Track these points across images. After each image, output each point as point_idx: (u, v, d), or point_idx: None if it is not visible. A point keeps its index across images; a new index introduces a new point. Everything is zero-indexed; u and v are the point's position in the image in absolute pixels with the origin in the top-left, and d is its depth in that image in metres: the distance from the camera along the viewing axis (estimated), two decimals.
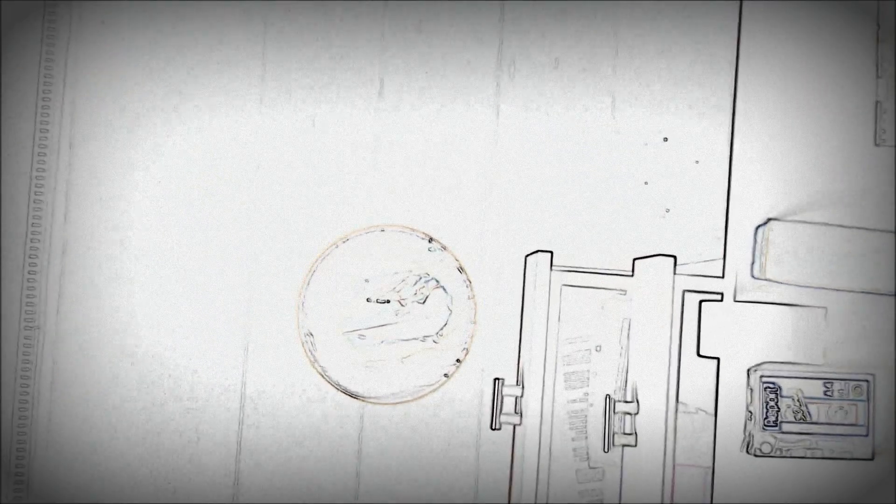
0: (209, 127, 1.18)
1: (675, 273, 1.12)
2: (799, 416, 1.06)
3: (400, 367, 1.17)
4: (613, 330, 1.14)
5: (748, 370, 1.08)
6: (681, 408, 1.10)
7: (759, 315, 1.11)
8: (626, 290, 1.13)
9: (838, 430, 1.06)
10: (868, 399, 1.06)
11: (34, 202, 1.18)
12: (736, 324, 1.11)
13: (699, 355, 1.11)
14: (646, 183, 1.16)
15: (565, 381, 1.13)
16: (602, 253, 1.17)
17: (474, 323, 1.17)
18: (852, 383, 1.06)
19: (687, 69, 1.18)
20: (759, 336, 1.10)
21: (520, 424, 1.12)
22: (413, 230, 1.20)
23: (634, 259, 1.14)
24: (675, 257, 1.13)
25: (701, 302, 1.12)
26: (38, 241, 1.17)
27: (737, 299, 1.11)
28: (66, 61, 1.18)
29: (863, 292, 1.09)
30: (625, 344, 1.13)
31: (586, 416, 1.13)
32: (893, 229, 1.11)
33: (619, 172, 1.18)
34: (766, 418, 1.06)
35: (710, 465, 1.09)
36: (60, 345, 1.15)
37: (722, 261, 1.14)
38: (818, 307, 1.10)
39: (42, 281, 1.16)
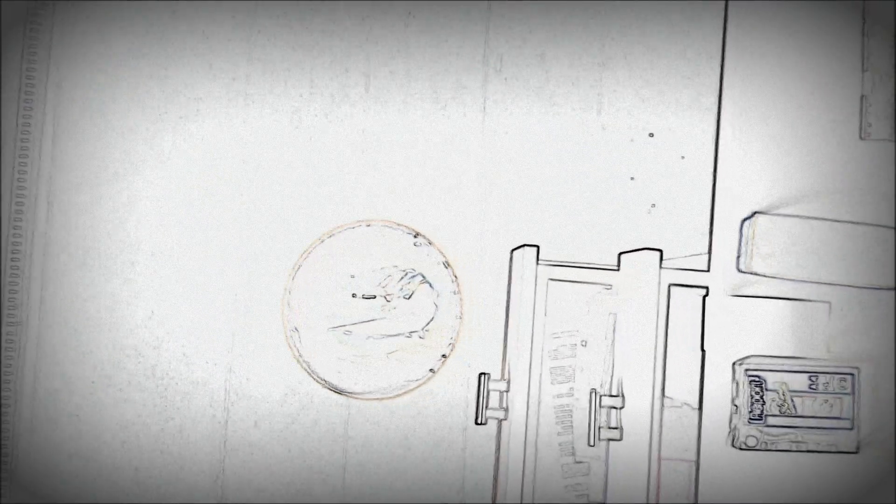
0: (199, 127, 1.20)
1: (661, 267, 1.14)
2: (784, 409, 1.08)
3: (386, 362, 1.18)
4: (599, 324, 1.15)
5: (733, 364, 1.10)
6: (666, 402, 1.12)
7: (745, 308, 1.12)
8: (611, 285, 1.15)
9: (823, 423, 1.08)
10: (853, 392, 1.08)
11: (16, 198, 1.19)
12: (722, 317, 1.12)
13: (687, 349, 1.12)
14: (632, 178, 1.18)
15: (551, 376, 1.15)
16: (589, 248, 1.19)
17: (460, 318, 1.18)
18: (837, 377, 1.08)
19: (673, 66, 1.20)
20: (745, 329, 1.12)
21: (505, 419, 1.13)
22: (398, 225, 1.21)
23: (620, 253, 1.16)
24: (661, 251, 1.15)
25: (685, 294, 1.14)
26: (21, 237, 1.19)
27: (723, 293, 1.13)
28: (51, 65, 1.20)
29: (853, 286, 1.11)
30: (611, 338, 1.14)
31: (572, 410, 1.14)
32: (893, 224, 1.12)
33: (606, 168, 1.19)
34: (751, 412, 1.08)
35: (696, 458, 1.10)
36: (42, 342, 1.17)
37: (707, 255, 1.15)
38: (806, 301, 1.12)
39: (24, 278, 1.18)
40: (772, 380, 1.09)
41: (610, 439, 1.10)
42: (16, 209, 1.17)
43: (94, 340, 1.16)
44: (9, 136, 1.18)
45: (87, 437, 1.15)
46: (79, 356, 1.16)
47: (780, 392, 1.08)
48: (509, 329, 1.15)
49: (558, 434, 1.14)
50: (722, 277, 1.13)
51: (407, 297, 1.19)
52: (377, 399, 1.17)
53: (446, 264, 1.19)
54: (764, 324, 1.12)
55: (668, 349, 1.12)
